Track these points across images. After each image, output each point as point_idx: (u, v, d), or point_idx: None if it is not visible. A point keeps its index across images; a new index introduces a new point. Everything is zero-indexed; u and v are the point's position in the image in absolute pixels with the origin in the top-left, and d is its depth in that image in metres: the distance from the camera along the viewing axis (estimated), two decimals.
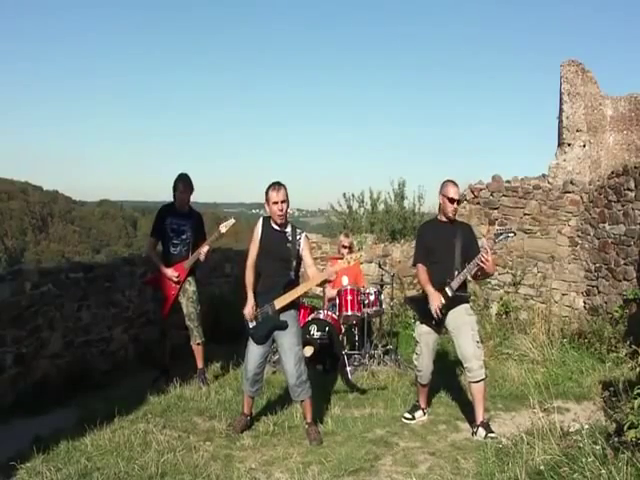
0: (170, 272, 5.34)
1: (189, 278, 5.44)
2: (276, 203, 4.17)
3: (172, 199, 5.49)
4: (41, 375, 5.07)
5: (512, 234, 4.48)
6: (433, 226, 4.68)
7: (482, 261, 4.25)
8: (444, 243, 4.42)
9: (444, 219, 4.57)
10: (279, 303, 4.20)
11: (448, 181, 4.56)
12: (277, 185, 4.21)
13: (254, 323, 4.26)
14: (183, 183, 5.41)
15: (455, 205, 4.50)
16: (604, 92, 16.55)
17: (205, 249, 5.31)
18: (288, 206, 4.27)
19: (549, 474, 3.16)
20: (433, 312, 4.35)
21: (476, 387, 4.36)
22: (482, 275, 4.53)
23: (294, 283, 4.26)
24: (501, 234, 4.44)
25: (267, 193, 4.21)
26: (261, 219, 4.38)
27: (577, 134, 15.70)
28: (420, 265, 4.55)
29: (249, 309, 4.25)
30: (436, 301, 4.34)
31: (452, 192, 4.49)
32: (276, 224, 4.27)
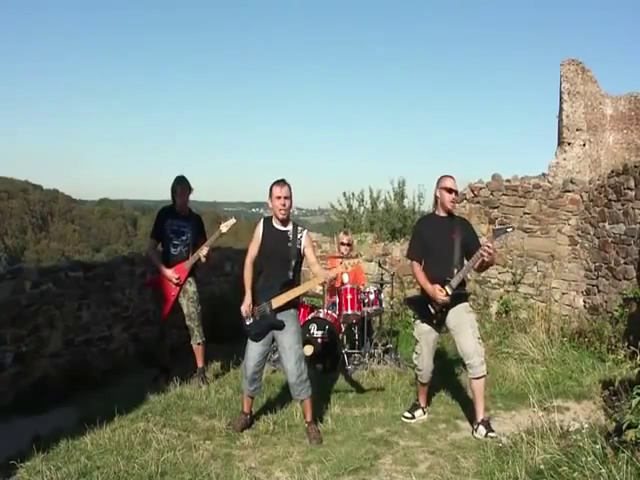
0: (170, 273, 5.34)
1: (189, 278, 5.44)
2: (279, 198, 4.21)
3: (172, 201, 5.50)
4: (41, 374, 5.07)
5: (510, 229, 4.48)
6: (431, 221, 4.66)
7: (487, 253, 4.23)
8: (443, 239, 4.42)
9: (442, 214, 4.57)
10: (276, 302, 4.21)
11: (445, 175, 4.58)
12: (281, 181, 4.27)
13: (251, 320, 4.28)
14: (181, 186, 5.44)
15: (453, 195, 4.50)
16: (604, 91, 16.55)
17: (206, 250, 5.31)
18: (291, 204, 4.29)
19: (549, 473, 3.15)
20: (440, 302, 4.35)
21: (477, 384, 4.36)
22: (484, 267, 4.53)
23: (292, 283, 4.26)
24: (500, 230, 4.44)
25: (271, 189, 4.26)
26: (262, 220, 4.41)
27: (577, 133, 15.70)
28: (416, 263, 4.54)
29: (245, 307, 4.28)
30: (439, 294, 4.34)
31: (449, 183, 4.50)
32: (278, 221, 4.29)
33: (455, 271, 4.37)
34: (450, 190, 4.48)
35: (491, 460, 3.65)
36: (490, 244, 4.27)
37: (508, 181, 8.41)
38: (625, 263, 6.64)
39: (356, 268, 6.66)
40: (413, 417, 4.67)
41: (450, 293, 4.35)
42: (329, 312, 6.27)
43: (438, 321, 4.46)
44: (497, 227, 4.49)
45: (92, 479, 3.41)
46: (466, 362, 4.41)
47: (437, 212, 4.62)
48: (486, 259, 4.28)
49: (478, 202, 8.39)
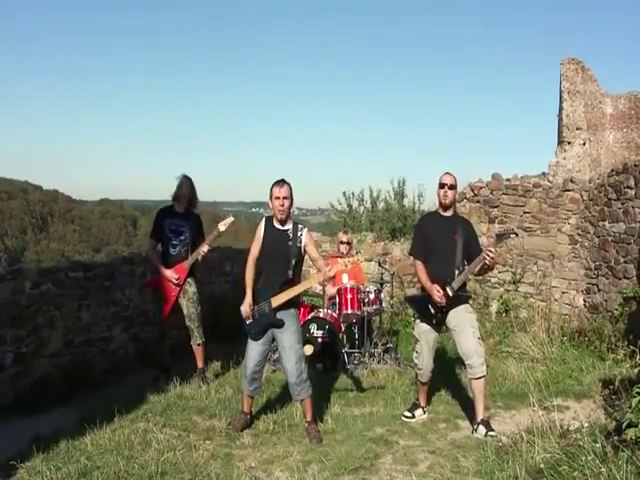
0: (170, 273, 5.33)
1: (189, 279, 5.44)
2: (278, 198, 4.23)
3: (172, 200, 5.51)
4: (41, 374, 5.07)
5: (514, 235, 4.47)
6: (434, 219, 4.67)
7: (489, 258, 4.23)
8: (445, 239, 4.42)
9: (442, 212, 4.57)
10: (276, 301, 4.22)
11: (443, 173, 4.60)
12: (281, 182, 4.28)
13: (251, 319, 4.28)
14: (186, 179, 5.49)
15: (445, 189, 4.50)
16: (604, 90, 16.55)
17: (204, 249, 5.32)
18: (291, 204, 4.30)
19: (549, 472, 3.15)
20: (439, 300, 4.34)
21: (477, 384, 4.35)
22: (485, 271, 4.53)
23: (292, 282, 4.26)
24: (503, 235, 4.42)
25: (271, 189, 4.27)
26: (264, 219, 4.42)
27: (577, 132, 15.70)
28: (418, 262, 4.54)
29: (246, 306, 4.29)
30: (437, 294, 4.34)
31: (442, 179, 4.53)
32: (278, 221, 4.30)
33: (456, 272, 4.37)
34: (442, 185, 4.51)
35: (491, 459, 3.65)
36: (493, 249, 4.27)
37: (508, 180, 8.42)
38: (625, 262, 6.64)
39: (356, 267, 6.67)
40: (413, 416, 4.67)
41: (451, 294, 4.35)
42: (329, 312, 6.27)
43: (438, 321, 4.46)
44: (500, 232, 4.46)
45: (92, 479, 3.41)
46: (466, 362, 4.41)
47: (439, 210, 4.63)
48: (488, 264, 4.28)
49: (478, 201, 8.39)
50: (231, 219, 5.37)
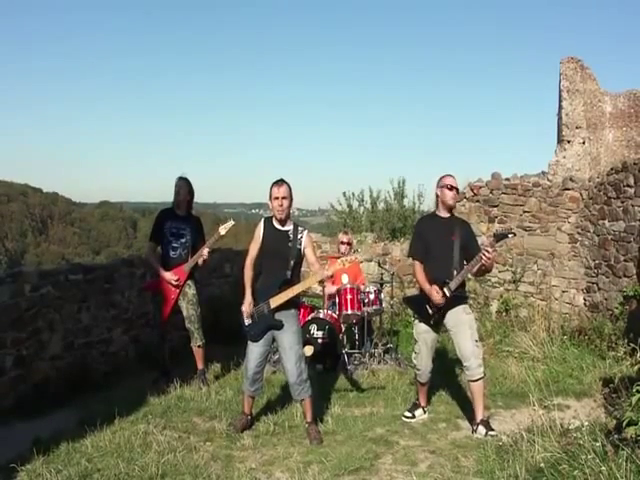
0: (169, 275, 5.33)
1: (188, 281, 5.43)
2: (277, 198, 4.23)
3: (174, 203, 5.51)
4: (41, 377, 5.07)
5: (512, 234, 4.45)
6: (432, 220, 4.66)
7: (486, 258, 4.22)
8: (442, 240, 4.41)
9: (442, 214, 4.57)
10: (274, 302, 4.22)
11: (445, 174, 4.59)
12: (280, 181, 4.29)
13: (250, 321, 4.28)
14: (182, 181, 5.47)
15: (454, 192, 4.51)
16: (603, 89, 16.57)
17: (205, 252, 5.31)
18: (291, 204, 4.30)
19: (549, 471, 3.15)
20: (437, 302, 4.34)
21: (475, 386, 4.36)
22: (482, 272, 4.52)
23: (291, 283, 4.26)
24: (501, 235, 4.40)
25: (270, 189, 4.27)
26: (262, 220, 4.42)
27: (576, 131, 15.72)
28: (417, 263, 4.54)
29: (246, 306, 4.28)
30: (436, 295, 4.34)
31: (449, 180, 4.53)
32: (277, 221, 4.30)
33: (454, 273, 4.36)
34: (451, 187, 4.50)
35: (491, 459, 3.65)
36: (490, 249, 4.26)
37: (507, 180, 8.42)
38: (625, 260, 6.64)
39: (355, 268, 6.67)
40: (413, 416, 4.67)
41: (448, 295, 4.34)
42: (329, 312, 6.27)
43: (435, 321, 4.46)
44: (498, 232, 4.43)
45: None
46: (464, 364, 4.42)
47: (437, 212, 4.62)
48: (485, 264, 4.27)
49: (478, 201, 8.40)
50: (231, 223, 5.37)
